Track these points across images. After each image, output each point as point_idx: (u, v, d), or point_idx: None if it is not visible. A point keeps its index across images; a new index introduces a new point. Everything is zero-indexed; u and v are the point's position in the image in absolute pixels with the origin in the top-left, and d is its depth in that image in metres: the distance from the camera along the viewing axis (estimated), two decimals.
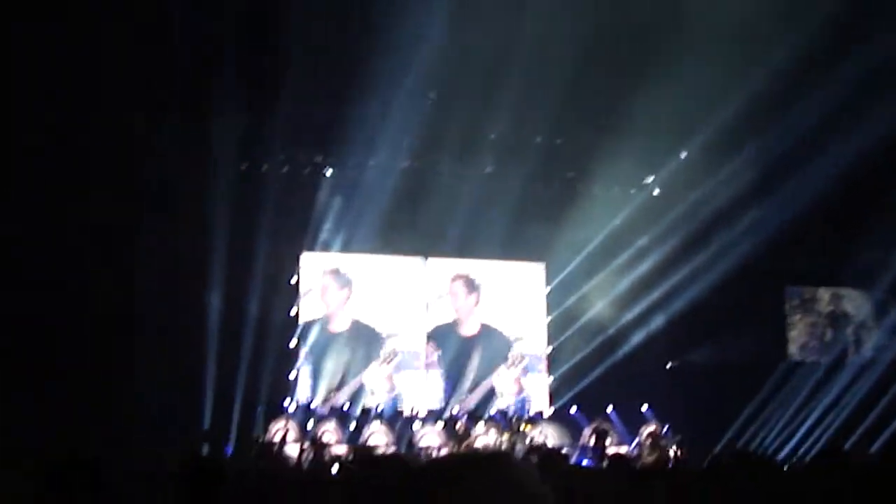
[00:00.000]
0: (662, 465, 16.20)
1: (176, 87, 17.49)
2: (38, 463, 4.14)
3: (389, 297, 21.57)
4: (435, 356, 21.69)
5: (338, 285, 21.24)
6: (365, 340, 21.38)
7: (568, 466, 11.25)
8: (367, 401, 20.86)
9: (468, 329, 22.00)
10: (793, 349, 22.12)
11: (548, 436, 20.27)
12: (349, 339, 21.27)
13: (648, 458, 17.89)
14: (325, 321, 21.21)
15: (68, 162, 16.97)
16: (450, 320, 22.02)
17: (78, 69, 16.27)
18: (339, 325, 21.29)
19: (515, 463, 1.98)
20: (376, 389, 21.13)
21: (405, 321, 21.71)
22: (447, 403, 21.29)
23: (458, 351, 21.76)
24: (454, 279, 22.00)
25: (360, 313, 21.42)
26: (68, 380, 16.28)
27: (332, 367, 20.92)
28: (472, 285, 22.00)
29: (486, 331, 22.06)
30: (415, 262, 21.85)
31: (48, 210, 16.98)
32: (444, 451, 19.33)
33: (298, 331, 20.75)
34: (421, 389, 21.45)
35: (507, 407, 21.36)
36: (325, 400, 20.63)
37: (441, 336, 21.85)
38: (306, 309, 21.09)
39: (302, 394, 20.67)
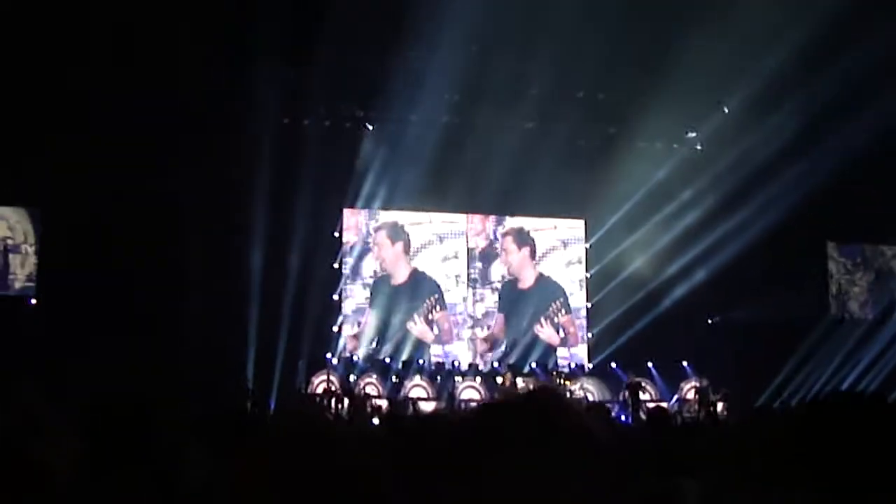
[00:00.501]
0: (710, 420, 16.15)
1: (220, 39, 17.46)
2: (89, 407, 4.16)
3: (439, 252, 21.71)
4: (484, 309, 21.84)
5: (391, 240, 21.40)
6: (424, 292, 21.56)
7: (609, 421, 11.24)
8: (419, 352, 21.05)
9: (525, 282, 22.14)
10: (836, 305, 21.93)
11: (588, 390, 20.29)
12: (409, 290, 21.47)
13: (694, 413, 17.91)
14: (383, 274, 21.44)
15: (113, 124, 17.09)
16: (505, 274, 22.14)
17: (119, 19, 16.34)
18: (398, 278, 21.51)
19: (564, 404, 1.96)
20: (427, 340, 21.34)
21: (454, 275, 21.84)
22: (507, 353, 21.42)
23: (515, 303, 21.96)
24: (505, 235, 22.07)
25: (418, 265, 21.62)
26: (119, 335, 16.40)
27: (393, 318, 21.15)
28: (523, 239, 22.15)
29: (542, 281, 22.24)
30: (458, 217, 21.85)
31: (99, 175, 17.15)
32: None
33: (342, 284, 20.87)
34: (466, 343, 21.57)
35: (551, 360, 21.43)
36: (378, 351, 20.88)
37: (501, 290, 22.08)
38: (353, 263, 21.23)
39: (356, 346, 20.91)
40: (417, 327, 21.30)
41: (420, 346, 21.20)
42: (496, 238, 22.17)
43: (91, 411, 4.01)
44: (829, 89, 18.32)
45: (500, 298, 21.98)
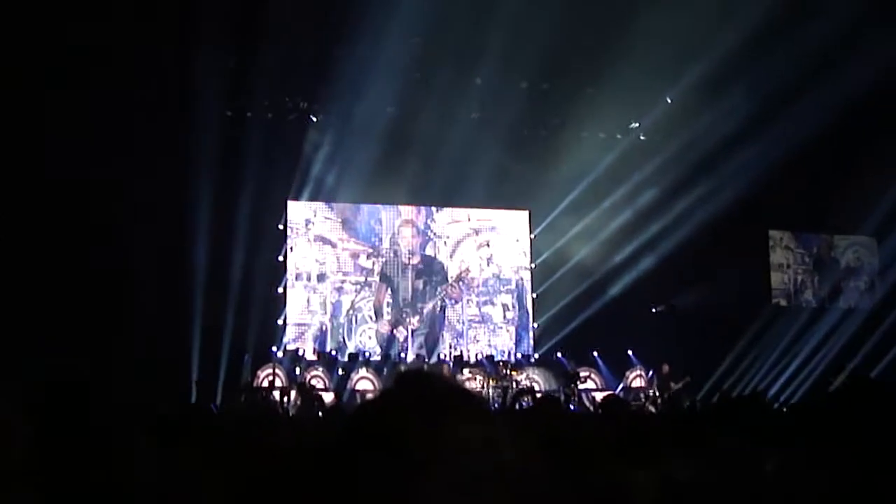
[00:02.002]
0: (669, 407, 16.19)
1: (160, 27, 17.19)
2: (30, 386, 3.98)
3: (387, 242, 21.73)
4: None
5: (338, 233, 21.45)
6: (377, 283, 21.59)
7: (560, 412, 11.17)
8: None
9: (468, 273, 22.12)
10: (777, 293, 22.11)
11: (534, 380, 20.25)
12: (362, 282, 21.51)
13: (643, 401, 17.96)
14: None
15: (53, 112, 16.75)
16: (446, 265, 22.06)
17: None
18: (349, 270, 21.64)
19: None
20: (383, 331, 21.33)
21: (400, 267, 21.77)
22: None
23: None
24: (447, 225, 22.10)
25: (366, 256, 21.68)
26: (59, 326, 16.11)
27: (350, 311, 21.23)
28: (465, 231, 22.21)
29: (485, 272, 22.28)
30: (404, 209, 21.76)
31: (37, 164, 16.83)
32: None
33: (286, 277, 20.70)
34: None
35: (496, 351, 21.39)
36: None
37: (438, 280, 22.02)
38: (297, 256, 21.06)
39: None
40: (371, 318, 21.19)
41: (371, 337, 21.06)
42: (430, 228, 22.03)
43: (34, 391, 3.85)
44: (771, 79, 18.49)
45: (437, 289, 21.77)
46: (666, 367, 19.10)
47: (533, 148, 20.49)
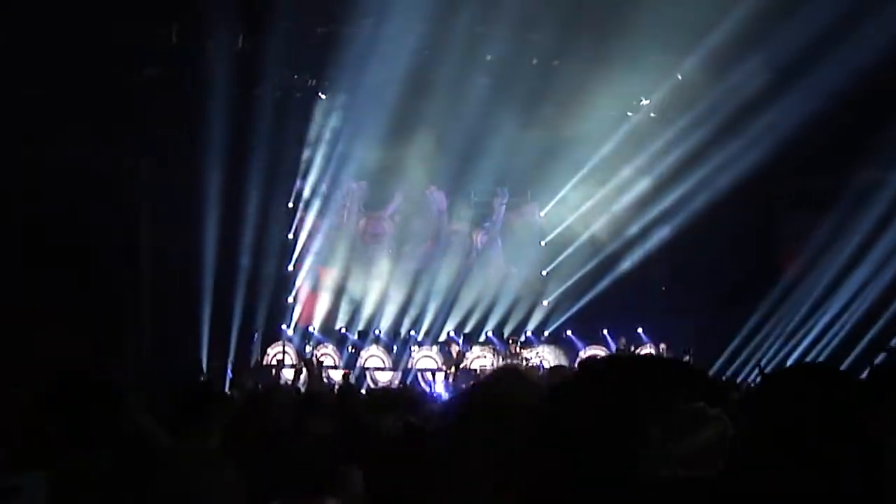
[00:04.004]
0: None
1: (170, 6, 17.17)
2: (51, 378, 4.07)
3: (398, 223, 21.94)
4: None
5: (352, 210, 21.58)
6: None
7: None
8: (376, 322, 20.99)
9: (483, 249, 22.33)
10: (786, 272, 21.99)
11: (543, 357, 20.23)
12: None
13: None
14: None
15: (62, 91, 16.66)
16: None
17: None
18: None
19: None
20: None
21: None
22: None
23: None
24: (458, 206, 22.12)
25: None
26: (74, 309, 16.11)
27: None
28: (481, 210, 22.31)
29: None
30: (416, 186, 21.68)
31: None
32: (439, 374, 19.36)
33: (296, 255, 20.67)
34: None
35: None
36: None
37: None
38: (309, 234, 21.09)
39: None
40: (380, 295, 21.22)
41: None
42: (438, 204, 22.05)
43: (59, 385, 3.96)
44: (779, 55, 18.35)
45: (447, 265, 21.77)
46: (663, 346, 19.09)
47: (543, 126, 20.26)
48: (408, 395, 7.11)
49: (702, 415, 1.47)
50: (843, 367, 17.51)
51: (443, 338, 20.91)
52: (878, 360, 16.95)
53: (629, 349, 19.24)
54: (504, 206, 22.18)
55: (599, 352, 20.70)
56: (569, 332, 21.14)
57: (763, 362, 18.38)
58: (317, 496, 4.48)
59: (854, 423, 2.48)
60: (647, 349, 19.53)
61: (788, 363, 18.79)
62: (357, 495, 4.50)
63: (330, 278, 21.03)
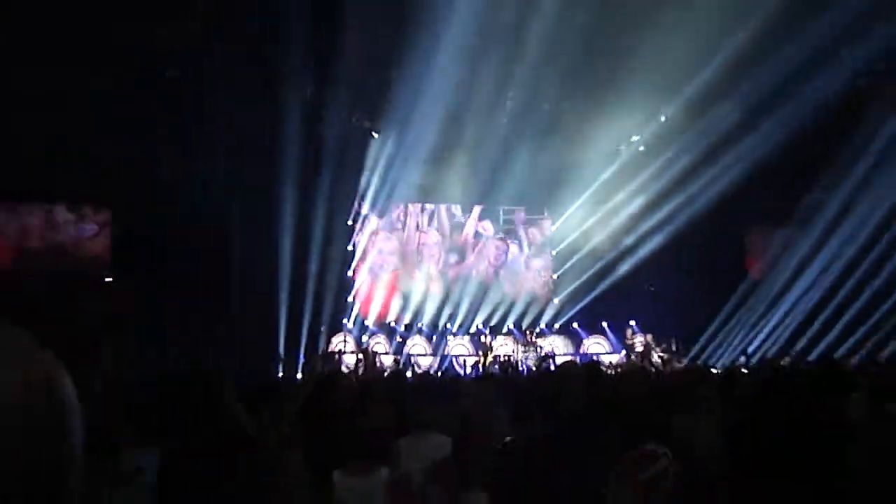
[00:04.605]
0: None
1: (256, 63, 17.42)
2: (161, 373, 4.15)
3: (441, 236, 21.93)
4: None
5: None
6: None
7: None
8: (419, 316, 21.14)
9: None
10: (750, 275, 22.00)
11: (555, 345, 20.28)
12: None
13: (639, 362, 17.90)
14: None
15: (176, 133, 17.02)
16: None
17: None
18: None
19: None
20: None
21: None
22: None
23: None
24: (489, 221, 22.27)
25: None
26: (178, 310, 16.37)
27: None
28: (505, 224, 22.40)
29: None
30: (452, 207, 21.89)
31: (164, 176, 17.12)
32: (470, 360, 19.43)
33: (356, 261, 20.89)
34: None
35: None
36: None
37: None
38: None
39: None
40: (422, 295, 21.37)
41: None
42: (470, 222, 22.14)
43: (166, 377, 4.01)
44: (747, 99, 18.42)
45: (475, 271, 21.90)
46: (648, 336, 19.10)
47: (554, 157, 20.35)
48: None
49: (653, 454, 1.54)
50: (795, 350, 17.67)
51: (473, 330, 20.94)
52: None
53: (633, 339, 19.23)
54: (525, 222, 22.21)
55: (600, 341, 20.79)
56: (575, 325, 21.20)
57: (743, 347, 18.53)
58: (373, 465, 4.61)
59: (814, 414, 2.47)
60: (640, 338, 19.48)
61: (752, 347, 18.89)
62: (407, 469, 4.59)
63: (382, 282, 21.13)
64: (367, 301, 20.92)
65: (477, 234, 22.07)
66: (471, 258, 21.89)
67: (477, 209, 21.98)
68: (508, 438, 3.55)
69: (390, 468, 4.62)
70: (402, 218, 21.65)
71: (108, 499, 3.52)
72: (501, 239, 22.22)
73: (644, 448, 1.38)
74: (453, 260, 21.74)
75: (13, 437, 0.83)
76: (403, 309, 21.05)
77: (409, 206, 21.60)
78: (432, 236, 21.75)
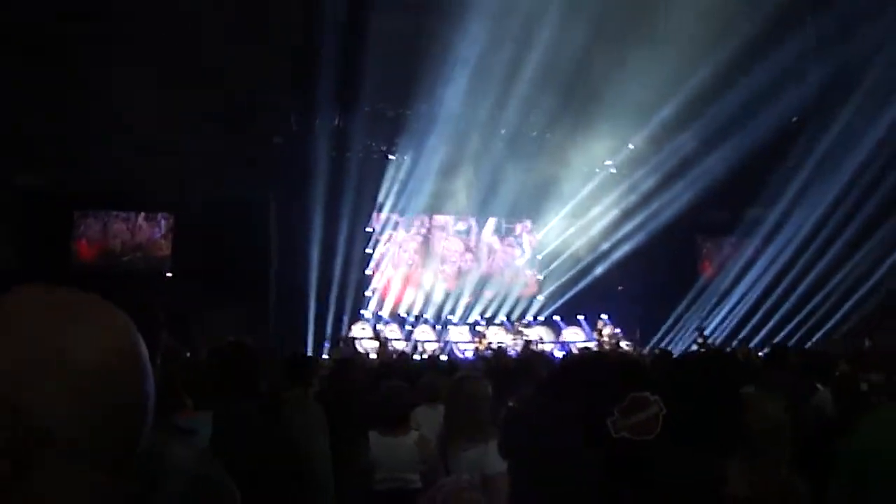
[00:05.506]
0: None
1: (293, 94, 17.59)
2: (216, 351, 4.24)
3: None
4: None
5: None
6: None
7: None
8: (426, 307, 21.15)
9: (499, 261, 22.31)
10: (702, 276, 22.11)
11: (540, 335, 20.32)
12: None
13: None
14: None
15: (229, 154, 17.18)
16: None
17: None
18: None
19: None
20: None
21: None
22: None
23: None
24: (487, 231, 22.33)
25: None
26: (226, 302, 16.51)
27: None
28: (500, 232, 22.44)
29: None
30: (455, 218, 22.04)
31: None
32: (468, 346, 19.46)
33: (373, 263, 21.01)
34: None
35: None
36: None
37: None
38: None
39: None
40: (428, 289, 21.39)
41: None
42: (470, 230, 22.22)
43: (216, 353, 4.08)
44: (701, 131, 18.56)
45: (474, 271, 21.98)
46: (618, 329, 19.13)
47: (539, 177, 20.46)
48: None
49: (645, 399, 1.58)
50: (739, 339, 17.66)
51: (471, 320, 21.02)
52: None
53: (602, 330, 19.27)
54: (524, 230, 22.34)
55: (576, 331, 20.82)
56: (556, 318, 21.20)
57: (702, 326, 18.65)
58: (403, 428, 4.58)
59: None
60: (609, 328, 19.54)
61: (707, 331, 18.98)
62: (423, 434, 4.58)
63: (395, 280, 21.22)
64: (382, 295, 21.02)
65: (490, 243, 22.25)
66: (484, 263, 22.03)
67: (492, 220, 22.17)
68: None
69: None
70: (419, 225, 21.72)
71: (168, 450, 3.59)
72: (510, 246, 22.38)
73: (636, 395, 1.45)
74: (467, 264, 21.85)
75: (105, 393, 0.86)
76: (412, 302, 21.13)
77: (425, 216, 21.67)
78: (440, 240, 21.84)
